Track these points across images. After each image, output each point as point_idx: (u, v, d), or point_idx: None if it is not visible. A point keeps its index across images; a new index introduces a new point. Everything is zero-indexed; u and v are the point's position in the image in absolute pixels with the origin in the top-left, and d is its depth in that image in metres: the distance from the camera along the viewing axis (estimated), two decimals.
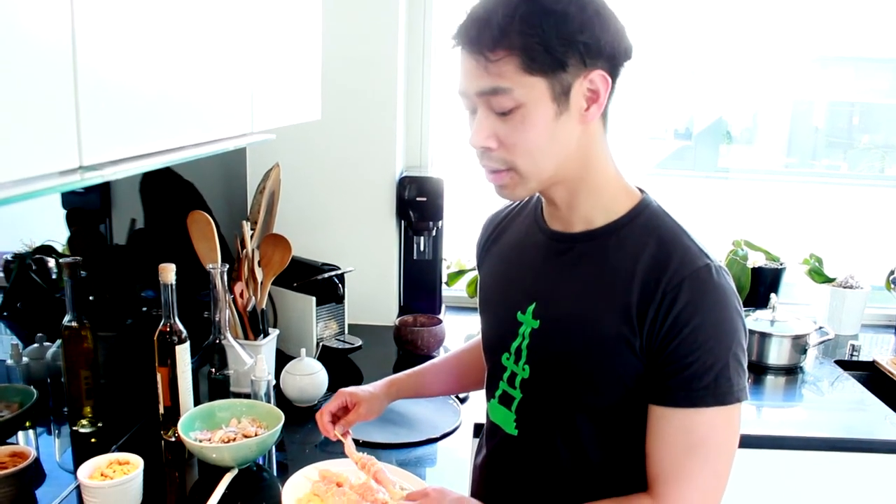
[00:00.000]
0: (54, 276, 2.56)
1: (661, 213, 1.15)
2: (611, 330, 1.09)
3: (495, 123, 1.06)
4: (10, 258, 2.54)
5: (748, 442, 1.82)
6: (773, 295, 2.48)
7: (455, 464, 1.69)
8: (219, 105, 1.25)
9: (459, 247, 2.80)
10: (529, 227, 1.26)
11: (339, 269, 2.24)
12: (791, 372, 2.35)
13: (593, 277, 1.13)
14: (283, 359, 1.99)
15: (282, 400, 1.88)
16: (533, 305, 1.18)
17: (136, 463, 1.46)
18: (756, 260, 2.74)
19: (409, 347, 2.29)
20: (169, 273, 1.62)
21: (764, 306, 2.49)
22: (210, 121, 1.22)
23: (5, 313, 2.50)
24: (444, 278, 2.70)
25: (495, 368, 1.27)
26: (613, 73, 1.06)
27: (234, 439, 1.58)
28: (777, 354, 2.34)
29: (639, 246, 1.10)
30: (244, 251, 1.96)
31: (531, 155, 1.06)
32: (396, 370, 2.24)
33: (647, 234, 1.11)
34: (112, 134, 0.90)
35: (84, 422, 1.76)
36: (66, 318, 1.71)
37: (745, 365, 1.08)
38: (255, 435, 1.59)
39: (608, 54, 1.04)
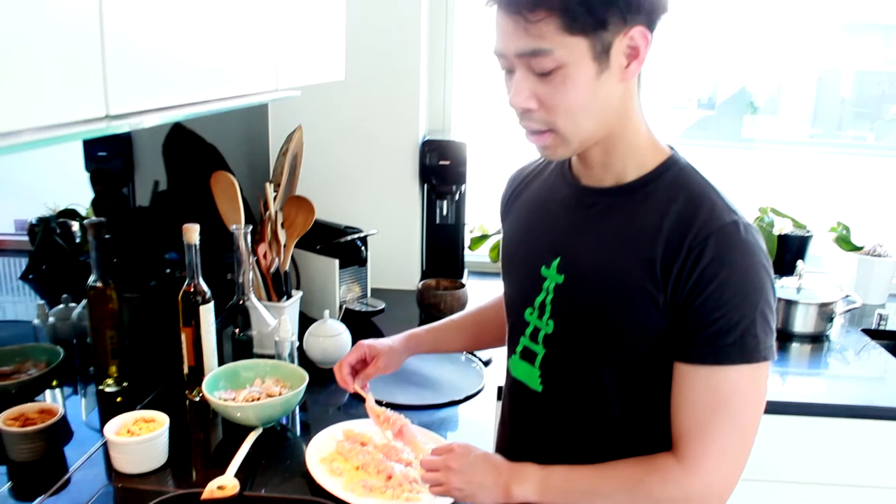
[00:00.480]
0: (78, 240, 2.57)
1: (689, 170, 1.13)
2: (635, 285, 1.07)
3: (535, 84, 1.04)
4: (34, 222, 2.56)
5: (772, 408, 1.80)
6: (799, 262, 2.45)
7: (478, 426, 1.69)
8: (244, 62, 1.24)
9: (482, 211, 2.78)
10: (556, 181, 1.25)
11: (361, 231, 2.24)
12: (817, 340, 2.32)
13: (619, 232, 1.11)
14: (305, 321, 2.00)
15: (305, 362, 1.88)
16: (558, 260, 1.17)
17: (161, 421, 1.47)
18: (783, 227, 2.70)
19: (432, 311, 2.29)
20: (193, 233, 1.62)
21: (790, 274, 2.46)
22: (235, 77, 1.22)
23: (31, 276, 2.52)
24: (467, 243, 2.69)
25: (518, 323, 1.26)
26: (652, 28, 1.04)
27: (259, 399, 1.58)
28: (803, 322, 2.31)
29: (666, 201, 1.09)
30: (267, 213, 1.95)
31: (572, 115, 1.05)
32: None
33: (675, 189, 1.10)
34: (137, 86, 0.90)
35: (110, 381, 1.78)
36: (91, 278, 1.71)
37: (774, 324, 1.06)
38: (279, 395, 1.59)
39: (647, 10, 1.02)
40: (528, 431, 1.28)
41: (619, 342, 1.11)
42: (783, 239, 2.66)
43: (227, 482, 1.30)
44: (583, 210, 1.17)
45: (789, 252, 2.65)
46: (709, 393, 1.05)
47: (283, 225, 1.98)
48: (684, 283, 1.04)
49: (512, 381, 1.30)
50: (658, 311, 1.07)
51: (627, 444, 1.16)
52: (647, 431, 1.16)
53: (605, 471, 1.13)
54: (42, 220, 2.49)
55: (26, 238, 2.62)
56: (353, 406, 1.75)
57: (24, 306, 2.39)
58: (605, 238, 1.13)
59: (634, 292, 1.08)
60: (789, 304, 2.31)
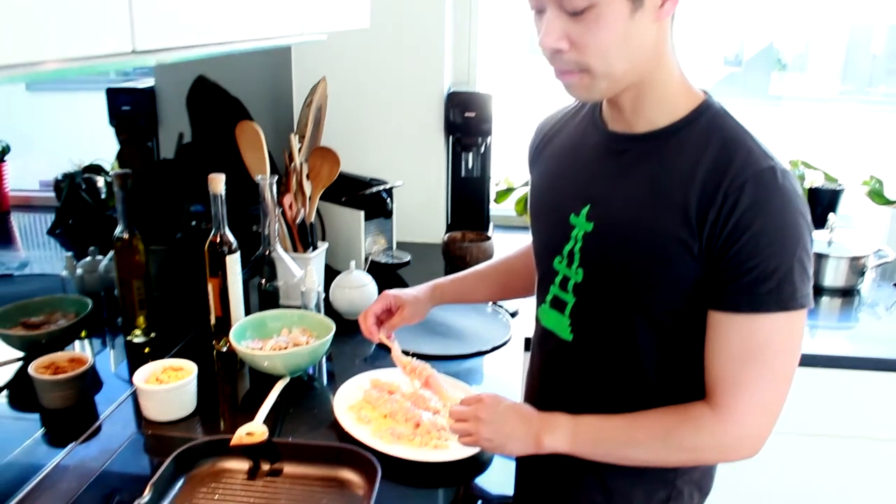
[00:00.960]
0: (104, 196, 2.58)
1: (723, 114, 1.10)
2: (668, 233, 1.05)
3: (566, 23, 1.01)
4: (59, 178, 2.56)
5: (802, 361, 1.78)
6: (831, 215, 2.41)
7: (505, 377, 1.68)
8: (271, 3, 1.23)
9: (508, 164, 2.75)
10: (586, 127, 1.22)
11: (387, 183, 2.22)
12: (847, 294, 2.29)
13: (651, 179, 1.08)
14: (331, 274, 1.99)
15: (331, 313, 1.88)
16: (587, 208, 1.14)
17: (189, 369, 1.48)
18: (813, 180, 2.66)
19: (457, 263, 2.27)
20: (218, 183, 1.61)
21: (821, 227, 2.42)
22: (262, 18, 1.20)
23: (57, 231, 2.54)
24: (492, 196, 2.67)
25: (547, 273, 1.24)
26: None
27: (286, 348, 1.58)
28: (834, 276, 2.28)
29: (700, 146, 1.06)
30: (292, 164, 1.94)
31: (605, 56, 1.02)
32: None
33: (709, 134, 1.07)
34: (163, 24, 0.90)
35: (137, 332, 1.78)
36: (118, 229, 1.72)
37: (811, 271, 1.04)
38: (307, 344, 1.59)
39: None
40: (557, 382, 1.27)
41: (651, 291, 1.09)
42: (814, 192, 2.62)
43: (255, 429, 1.31)
44: (613, 157, 1.14)
45: (820, 206, 2.60)
46: (744, 342, 1.03)
47: (308, 176, 1.97)
48: (720, 231, 1.01)
49: (542, 330, 1.29)
50: (693, 260, 1.04)
51: (659, 393, 1.15)
52: (679, 381, 1.14)
53: (638, 420, 1.12)
54: (67, 176, 2.50)
55: (52, 194, 2.63)
56: (380, 357, 1.75)
57: (50, 262, 2.41)
58: (637, 185, 1.10)
59: (667, 241, 1.05)
60: (820, 258, 2.27)
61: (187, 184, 2.11)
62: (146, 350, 1.76)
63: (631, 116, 1.12)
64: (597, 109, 1.20)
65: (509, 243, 2.52)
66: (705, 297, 1.06)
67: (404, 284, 2.22)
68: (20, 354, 1.63)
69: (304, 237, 1.95)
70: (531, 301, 1.35)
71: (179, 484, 1.23)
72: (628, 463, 1.15)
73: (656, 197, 1.07)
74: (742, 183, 1.00)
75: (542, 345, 1.30)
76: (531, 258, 1.47)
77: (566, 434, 1.14)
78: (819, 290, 2.29)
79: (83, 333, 1.81)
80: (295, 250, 1.94)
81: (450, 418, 1.23)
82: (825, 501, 2.06)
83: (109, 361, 1.76)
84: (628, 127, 1.13)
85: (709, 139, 1.06)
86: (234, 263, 1.65)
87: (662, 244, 1.06)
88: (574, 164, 1.21)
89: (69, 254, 1.91)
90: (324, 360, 1.72)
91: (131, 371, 1.62)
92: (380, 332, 1.48)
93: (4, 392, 1.55)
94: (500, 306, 1.98)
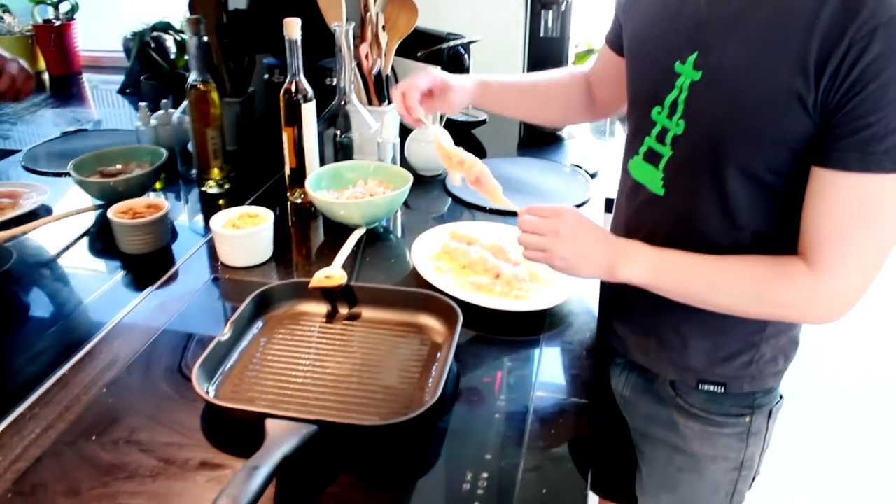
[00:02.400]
0: (173, 56, 2.55)
1: None
2: (783, 84, 0.95)
3: None
4: (129, 36, 2.54)
5: None
6: None
7: None
8: None
9: (588, 25, 2.62)
10: None
11: (464, 38, 2.13)
12: None
13: (767, 23, 0.97)
14: (404, 133, 1.94)
15: (405, 168, 1.83)
16: (694, 55, 1.05)
17: (265, 216, 1.46)
18: None
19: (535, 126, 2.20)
20: (294, 28, 1.55)
21: None
22: None
23: (128, 90, 2.53)
24: (571, 58, 2.56)
25: (642, 123, 1.16)
26: None
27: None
28: None
29: None
30: (368, 14, 1.86)
31: None
32: (522, 145, 2.19)
33: None
34: None
35: (211, 183, 1.77)
36: (192, 77, 1.68)
37: None
38: (383, 195, 1.56)
39: None
40: (645, 236, 1.20)
41: (757, 146, 1.00)
42: None
43: (334, 272, 1.29)
44: (724, 1, 1.04)
45: None
46: (850, 202, 0.95)
47: (384, 28, 1.89)
48: (841, 82, 0.91)
49: (631, 183, 1.21)
50: (805, 114, 0.95)
51: (751, 251, 1.08)
52: (773, 240, 1.07)
53: (729, 264, 1.05)
54: (136, 35, 2.47)
55: (122, 55, 2.62)
56: (458, 212, 1.71)
57: (122, 119, 2.41)
58: (751, 31, 0.99)
59: (781, 92, 0.95)
60: None
61: (260, 35, 2.05)
62: (220, 202, 1.75)
63: None
64: None
65: None
66: (811, 154, 0.98)
67: (479, 144, 2.17)
68: (99, 202, 1.64)
69: (379, 90, 1.89)
70: (612, 162, 1.27)
71: (258, 324, 1.23)
72: (707, 307, 1.09)
73: (772, 44, 0.97)
74: (873, 29, 0.89)
75: (629, 199, 1.23)
76: (572, 88, 1.43)
77: (647, 266, 1.08)
78: None
79: (158, 185, 1.81)
80: (370, 103, 1.88)
81: (520, 227, 1.13)
82: None
83: (184, 211, 1.76)
84: None
85: None
86: (309, 112, 1.60)
87: (775, 96, 0.96)
88: (679, 10, 1.10)
89: (144, 104, 1.89)
90: (399, 213, 1.69)
91: (206, 222, 1.62)
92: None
93: (85, 238, 1.57)
94: (580, 166, 1.92)
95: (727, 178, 1.04)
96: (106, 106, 2.56)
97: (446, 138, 1.31)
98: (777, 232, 1.06)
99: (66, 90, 2.62)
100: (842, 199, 0.95)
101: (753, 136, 1.00)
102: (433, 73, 1.36)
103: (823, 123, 0.94)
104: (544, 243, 1.09)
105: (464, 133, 2.17)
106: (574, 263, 1.10)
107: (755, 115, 0.98)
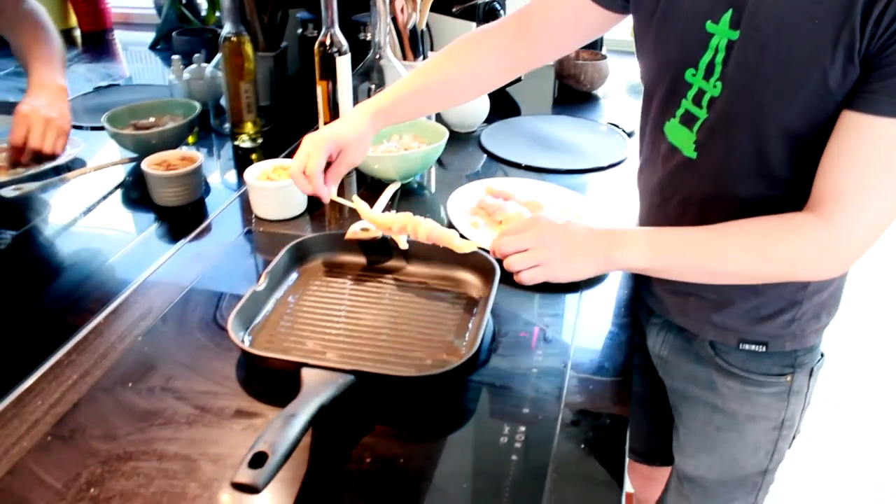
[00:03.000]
0: (204, 13, 2.53)
1: None
2: (829, 34, 0.90)
3: None
4: None
5: None
6: None
7: (621, 195, 1.60)
8: None
9: None
10: None
11: None
12: None
13: None
14: None
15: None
16: (729, 13, 1.00)
17: None
18: None
19: (570, 82, 2.17)
20: None
21: None
22: None
23: (159, 46, 2.52)
24: None
25: (676, 86, 1.11)
26: None
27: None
28: None
29: None
30: None
31: None
32: (557, 103, 2.16)
33: None
34: None
35: (244, 137, 1.76)
36: (225, 30, 1.66)
37: None
38: (418, 149, 1.54)
39: None
40: (678, 203, 1.16)
41: (800, 105, 0.96)
42: None
43: (370, 225, 1.27)
44: None
45: None
46: (877, 147, 0.91)
47: None
48: (885, 28, 0.87)
49: (667, 146, 1.16)
50: (852, 64, 0.91)
51: (787, 210, 1.04)
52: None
53: (730, 229, 1.02)
54: None
55: (152, 12, 2.61)
56: (492, 169, 1.69)
57: (153, 74, 2.40)
58: None
59: (827, 44, 0.91)
60: None
61: None
62: (253, 156, 1.74)
63: None
64: None
65: (623, 67, 2.40)
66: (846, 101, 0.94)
67: (514, 103, 2.14)
68: (133, 155, 1.63)
69: (414, 45, 1.87)
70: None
71: (293, 276, 1.22)
72: (714, 279, 1.07)
73: None
74: None
75: (664, 163, 1.18)
76: (468, 64, 1.30)
77: (644, 245, 1.04)
78: None
79: (191, 140, 1.80)
80: (405, 58, 1.86)
81: (502, 252, 1.07)
82: None
83: (218, 166, 1.75)
84: None
85: None
86: (344, 66, 1.58)
87: (822, 48, 0.92)
88: None
89: (177, 56, 1.88)
90: (433, 169, 1.67)
91: (239, 176, 1.61)
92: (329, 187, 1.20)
93: (119, 191, 1.57)
94: (616, 125, 1.88)
95: (767, 137, 1.00)
96: (137, 62, 2.55)
97: (375, 209, 1.24)
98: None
99: (97, 46, 2.62)
100: (867, 144, 0.91)
101: (798, 94, 0.95)
102: (319, 142, 1.18)
103: (863, 69, 0.91)
104: (536, 256, 1.05)
105: (499, 91, 2.14)
106: (572, 264, 1.06)
107: (802, 70, 0.94)
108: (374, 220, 1.20)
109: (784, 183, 1.03)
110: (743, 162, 1.04)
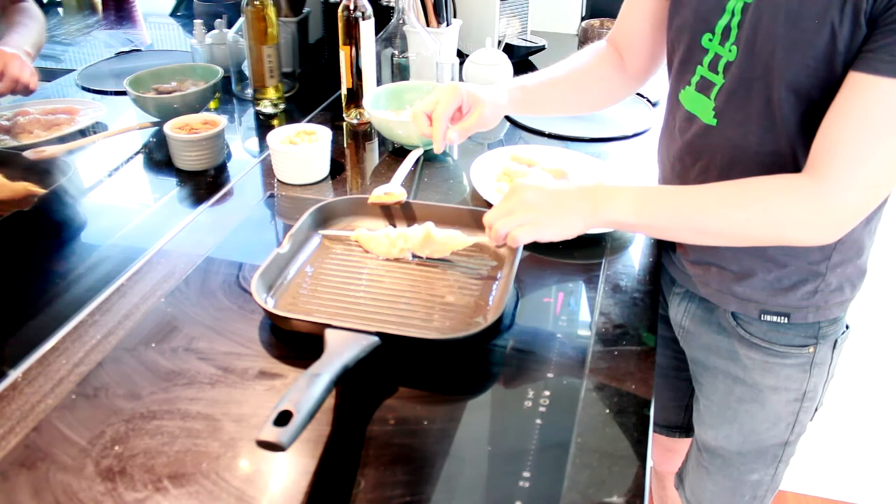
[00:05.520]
0: None
1: None
2: None
3: None
4: None
5: None
6: None
7: (645, 164, 1.58)
8: None
9: None
10: None
11: None
12: None
13: None
14: (462, 54, 1.89)
15: None
16: None
17: (323, 133, 1.44)
18: None
19: None
20: None
21: None
22: None
23: (179, 13, 2.51)
24: None
25: (691, 52, 1.10)
26: None
27: None
28: None
29: None
30: None
31: None
32: None
33: None
34: None
35: (266, 103, 1.76)
36: None
37: None
38: None
39: None
40: (697, 171, 1.14)
41: (814, 67, 0.94)
42: None
43: (393, 189, 1.26)
44: None
45: None
46: (876, 108, 0.89)
47: None
48: None
49: (684, 114, 1.15)
50: (858, 26, 0.89)
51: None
52: None
53: (720, 187, 1.01)
54: None
55: None
56: (515, 137, 1.67)
57: (174, 41, 2.39)
58: None
59: (836, 3, 0.90)
60: None
61: None
62: (275, 122, 1.73)
63: None
64: None
65: None
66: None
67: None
68: (155, 119, 1.63)
69: (438, 11, 1.85)
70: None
71: (316, 239, 1.21)
72: (700, 237, 1.06)
73: None
74: None
75: (682, 131, 1.17)
76: (605, 63, 1.33)
77: (630, 200, 1.03)
78: None
79: (213, 105, 1.79)
80: (428, 24, 1.84)
81: (488, 222, 1.07)
82: None
83: (239, 133, 1.74)
84: None
85: None
86: (367, 30, 1.57)
87: (830, 6, 0.90)
88: None
89: (199, 20, 1.87)
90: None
91: (261, 142, 1.60)
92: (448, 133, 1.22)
93: (141, 154, 1.57)
94: (641, 94, 1.86)
95: (780, 101, 0.99)
96: (158, 28, 2.54)
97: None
98: None
99: (117, 13, 2.61)
100: (866, 105, 0.90)
101: (812, 56, 0.94)
102: (457, 90, 1.23)
103: (868, 30, 0.89)
104: (521, 217, 1.05)
105: (522, 59, 2.12)
106: (559, 220, 1.05)
107: (812, 26, 0.92)
108: (384, 240, 1.18)
109: (799, 149, 1.01)
110: (759, 127, 1.03)
